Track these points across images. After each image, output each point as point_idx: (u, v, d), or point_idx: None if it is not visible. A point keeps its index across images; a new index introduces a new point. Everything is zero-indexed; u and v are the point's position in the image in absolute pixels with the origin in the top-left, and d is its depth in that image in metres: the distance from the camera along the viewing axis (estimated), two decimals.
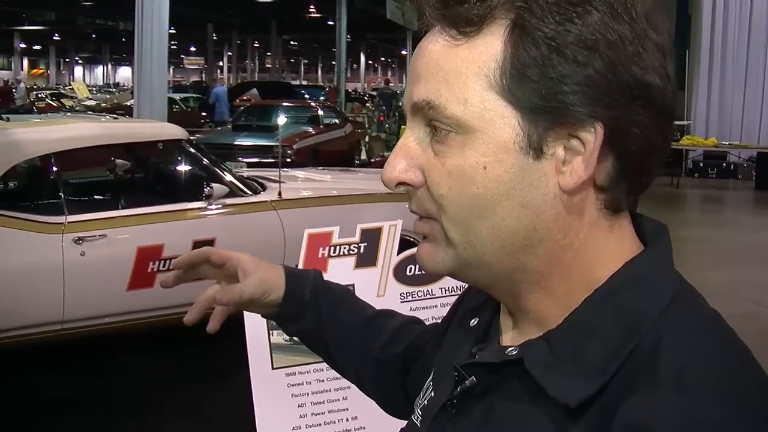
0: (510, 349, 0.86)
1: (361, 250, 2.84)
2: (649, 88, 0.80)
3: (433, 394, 1.00)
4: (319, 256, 2.81)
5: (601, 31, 0.79)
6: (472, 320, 1.00)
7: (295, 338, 2.77)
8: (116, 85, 68.94)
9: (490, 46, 0.81)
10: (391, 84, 40.74)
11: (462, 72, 0.82)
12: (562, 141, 0.81)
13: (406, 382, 1.29)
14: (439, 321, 1.23)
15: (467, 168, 0.82)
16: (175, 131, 6.42)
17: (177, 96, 28.88)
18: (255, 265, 1.32)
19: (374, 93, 35.96)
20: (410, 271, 2.85)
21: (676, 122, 18.71)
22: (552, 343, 0.83)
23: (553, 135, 0.81)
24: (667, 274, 0.85)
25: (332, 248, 2.82)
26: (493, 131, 0.81)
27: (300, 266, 2.79)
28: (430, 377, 1.05)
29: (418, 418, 1.02)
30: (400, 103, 28.43)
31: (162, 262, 5.53)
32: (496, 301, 0.96)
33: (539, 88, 0.79)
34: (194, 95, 32.55)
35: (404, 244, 2.95)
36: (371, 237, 2.86)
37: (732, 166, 17.88)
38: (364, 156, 17.51)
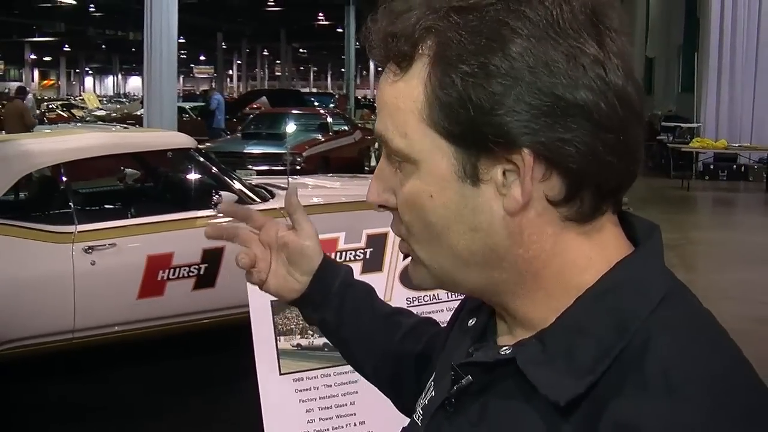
0: (504, 348, 0.87)
1: (367, 256, 2.85)
2: (579, 106, 0.80)
3: (433, 393, 1.02)
4: None
5: (524, 57, 0.79)
6: (470, 320, 1.01)
7: (302, 343, 2.79)
8: (126, 95, 69.24)
9: (419, 79, 0.84)
10: None
11: (400, 107, 0.86)
12: (498, 166, 0.82)
13: (421, 382, 1.29)
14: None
15: (417, 196, 0.87)
16: (184, 140, 6.46)
17: (187, 105, 28.96)
18: (311, 228, 1.30)
19: None
20: None
21: (687, 125, 18.71)
22: (545, 342, 0.84)
23: (485, 162, 0.82)
24: (657, 274, 0.85)
25: (338, 254, 2.83)
26: (432, 162, 0.85)
27: None
28: (432, 377, 1.06)
29: (419, 416, 1.04)
30: None
31: (172, 270, 5.56)
32: None
33: (461, 121, 0.81)
34: (204, 104, 32.64)
35: None
36: (377, 242, 2.87)
37: (743, 168, 17.80)
38: (373, 162, 17.50)
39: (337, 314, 1.32)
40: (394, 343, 1.34)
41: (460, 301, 1.19)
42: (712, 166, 17.77)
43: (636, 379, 0.76)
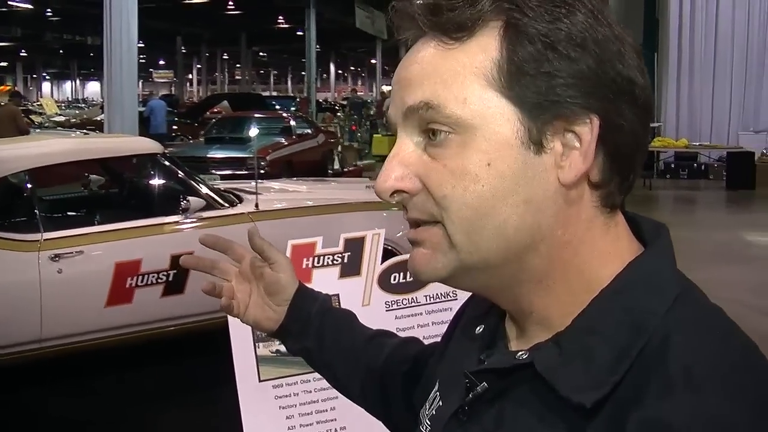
0: (520, 353, 0.86)
1: (345, 260, 2.84)
2: (634, 84, 0.84)
3: (441, 403, 1.01)
4: (303, 266, 2.80)
5: (587, 30, 0.83)
6: (478, 327, 1.01)
7: (281, 349, 2.77)
8: (85, 100, 68.48)
9: (485, 46, 0.84)
10: (360, 93, 40.83)
11: (459, 72, 0.84)
12: (559, 136, 0.83)
13: (412, 398, 1.28)
14: (429, 331, 1.25)
15: (470, 166, 0.83)
16: (150, 145, 6.40)
17: None
18: (284, 260, 1.36)
19: (344, 102, 35.95)
20: (395, 280, 2.85)
21: None
22: (561, 345, 0.83)
23: (551, 129, 0.83)
24: (670, 273, 0.86)
25: (316, 259, 2.81)
26: (494, 128, 0.83)
27: None
28: (436, 387, 1.05)
29: (426, 427, 1.02)
30: (372, 112, 28.55)
31: (140, 277, 5.50)
32: (500, 308, 0.97)
33: (537, 83, 0.82)
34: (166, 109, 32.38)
35: (386, 252, 2.95)
36: (354, 246, 2.86)
37: (703, 167, 18.05)
38: (337, 165, 17.48)
39: (318, 340, 1.34)
40: (380, 363, 1.34)
41: (457, 309, 1.18)
42: (673, 165, 18.00)
43: (659, 377, 0.76)
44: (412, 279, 2.83)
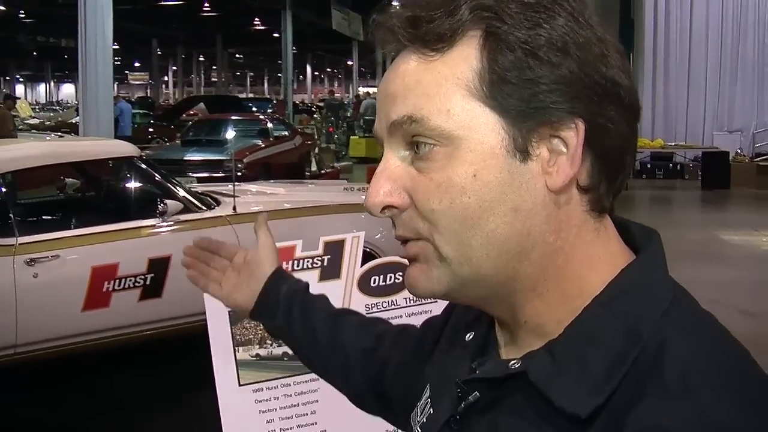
0: (513, 362, 0.85)
1: (325, 263, 2.83)
2: (618, 85, 0.84)
3: (432, 411, 1.00)
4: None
5: (568, 33, 0.82)
6: (468, 335, 1.00)
7: (261, 353, 2.76)
8: (59, 102, 68.00)
9: (466, 56, 0.83)
10: (337, 94, 40.77)
11: (441, 84, 0.83)
12: (545, 142, 0.83)
13: (384, 381, 1.31)
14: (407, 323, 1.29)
15: (456, 178, 0.83)
16: (127, 148, 6.36)
17: None
18: (270, 243, 1.45)
19: (321, 104, 35.88)
20: (374, 282, 2.84)
21: None
22: (554, 353, 0.82)
23: (536, 136, 0.82)
24: (663, 279, 0.86)
25: (296, 262, 2.80)
26: (479, 138, 0.82)
27: None
28: (427, 394, 1.04)
29: None
30: (348, 114, 28.51)
31: (117, 281, 5.46)
32: (490, 314, 0.96)
33: (519, 91, 0.81)
34: (140, 111, 32.22)
35: (366, 256, 2.94)
36: (334, 249, 2.84)
37: (678, 167, 18.18)
38: (314, 167, 17.44)
39: (286, 318, 1.39)
40: (341, 339, 1.38)
41: (441, 312, 1.17)
42: (649, 165, 18.12)
43: (656, 384, 0.76)
44: (392, 281, 2.83)
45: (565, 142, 0.82)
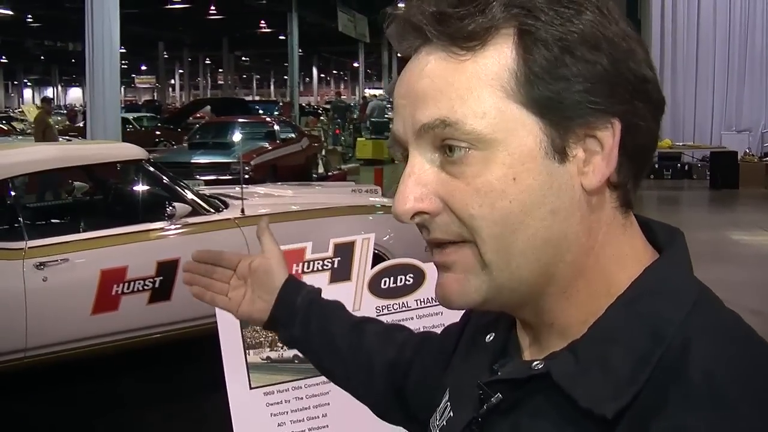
0: (535, 363, 0.84)
1: (335, 265, 2.82)
2: (647, 82, 0.82)
3: (452, 413, 0.98)
4: (293, 272, 2.77)
5: (599, 29, 0.80)
6: (488, 336, 0.99)
7: (272, 356, 2.75)
8: (67, 106, 68.14)
9: (500, 56, 0.80)
10: (343, 96, 40.77)
11: (474, 86, 0.80)
12: (581, 142, 0.81)
13: (404, 391, 1.28)
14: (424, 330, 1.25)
15: (495, 182, 0.80)
16: (135, 152, 6.36)
17: (130, 115, 28.63)
18: (277, 250, 1.40)
19: (327, 106, 35.88)
20: (385, 284, 2.83)
21: None
22: (578, 354, 0.81)
23: (573, 137, 0.81)
24: (687, 278, 0.85)
25: (306, 264, 2.79)
26: (517, 140, 0.80)
27: None
28: (446, 398, 1.02)
29: None
30: (355, 116, 28.50)
31: (126, 284, 5.46)
32: (509, 316, 0.94)
33: (556, 90, 0.79)
34: (147, 114, 32.29)
35: (376, 257, 2.93)
36: (344, 251, 2.83)
37: (687, 167, 18.12)
38: (321, 170, 17.45)
39: (304, 328, 1.35)
40: (363, 350, 1.34)
41: (460, 317, 1.16)
42: (656, 166, 18.04)
43: (680, 385, 0.74)
44: (402, 283, 2.82)
45: (600, 142, 0.81)
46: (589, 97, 0.79)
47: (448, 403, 1.01)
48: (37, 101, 76.91)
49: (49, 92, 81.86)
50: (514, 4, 0.80)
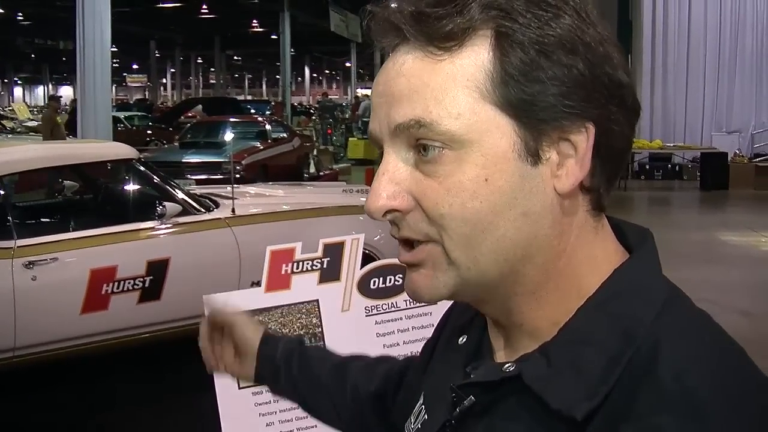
0: (507, 365, 0.85)
1: (325, 265, 2.82)
2: (623, 86, 0.83)
3: (426, 417, 0.99)
4: (282, 272, 2.78)
5: (576, 33, 0.80)
6: (461, 338, 0.99)
7: None
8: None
9: (476, 57, 0.81)
10: (332, 96, 40.65)
11: (450, 86, 0.81)
12: (555, 145, 0.81)
13: (388, 414, 1.28)
14: (409, 336, 1.26)
15: (467, 182, 0.81)
16: (126, 150, 6.34)
17: (121, 114, 28.56)
18: (243, 318, 1.46)
19: (317, 106, 35.78)
20: (374, 285, 2.83)
21: None
22: (549, 355, 0.82)
23: (547, 139, 0.81)
24: (656, 279, 0.85)
25: (295, 264, 2.79)
26: (490, 142, 0.80)
27: (263, 283, 2.76)
28: (421, 401, 1.03)
29: None
30: (347, 116, 28.50)
31: (116, 283, 5.45)
32: (483, 317, 0.95)
33: (531, 92, 0.79)
34: (139, 113, 32.22)
35: (365, 258, 2.93)
36: (334, 251, 2.83)
37: (677, 167, 18.19)
38: (312, 169, 17.43)
39: (289, 380, 1.39)
40: (348, 388, 1.36)
41: (439, 320, 1.16)
42: (647, 166, 18.12)
43: (651, 385, 0.75)
44: (392, 284, 2.82)
45: (574, 145, 0.81)
46: (564, 101, 0.80)
47: (423, 406, 1.01)
48: (28, 100, 76.76)
49: (40, 90, 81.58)
50: (493, 6, 0.80)
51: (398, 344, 2.81)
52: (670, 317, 0.81)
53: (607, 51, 0.82)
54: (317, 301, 2.77)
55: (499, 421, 0.85)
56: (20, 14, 40.35)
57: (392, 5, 0.84)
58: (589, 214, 0.86)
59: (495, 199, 0.80)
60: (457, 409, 0.89)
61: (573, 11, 0.81)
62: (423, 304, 2.82)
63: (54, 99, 18.14)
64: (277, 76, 48.76)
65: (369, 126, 0.89)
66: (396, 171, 0.85)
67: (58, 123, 16.03)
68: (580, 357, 0.80)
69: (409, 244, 0.86)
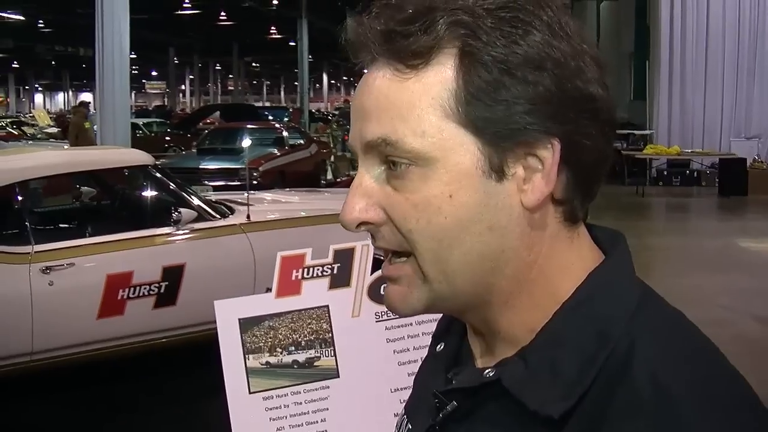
0: (487, 371, 0.86)
1: (335, 271, 2.83)
2: (594, 100, 0.83)
3: (410, 426, 1.00)
4: (293, 278, 2.79)
5: (545, 49, 0.81)
6: (438, 345, 1.01)
7: (271, 361, 2.76)
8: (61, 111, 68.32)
9: (441, 75, 0.82)
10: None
11: (415, 105, 0.82)
12: (521, 161, 0.82)
13: None
14: (419, 341, 1.25)
15: (432, 198, 0.83)
16: (142, 157, 6.39)
17: (140, 121, 28.72)
18: None
19: (336, 112, 35.89)
20: (384, 290, 2.83)
21: (640, 132, 18.98)
22: (527, 359, 0.84)
23: (512, 156, 0.82)
24: (629, 280, 0.87)
25: (306, 270, 2.80)
26: (454, 159, 0.82)
27: (273, 288, 2.77)
28: (403, 412, 1.04)
29: None
30: None
31: (132, 289, 5.49)
32: (460, 324, 0.97)
33: (495, 111, 0.81)
34: (157, 120, 32.39)
35: (376, 263, 2.94)
36: (344, 257, 2.84)
37: (695, 174, 18.08)
38: (330, 176, 17.48)
39: None
40: None
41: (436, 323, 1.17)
42: (665, 173, 18.03)
43: (626, 386, 0.77)
44: None
45: (540, 160, 0.82)
46: (527, 119, 0.81)
47: (405, 417, 1.03)
48: (49, 106, 77.24)
49: (60, 97, 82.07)
50: (459, 24, 0.81)
51: (408, 350, 2.81)
52: (644, 317, 0.83)
53: (579, 65, 0.82)
54: (327, 306, 2.77)
55: (481, 426, 0.86)
56: (41, 21, 40.67)
57: (365, 23, 0.85)
58: (562, 225, 0.86)
59: (460, 214, 0.82)
60: (440, 415, 0.90)
61: (545, 26, 0.82)
62: None
63: (83, 105, 18.27)
64: (296, 83, 48.89)
65: (349, 137, 0.91)
66: (368, 185, 0.87)
67: (85, 129, 16.13)
68: (556, 359, 0.82)
69: (386, 253, 0.89)
